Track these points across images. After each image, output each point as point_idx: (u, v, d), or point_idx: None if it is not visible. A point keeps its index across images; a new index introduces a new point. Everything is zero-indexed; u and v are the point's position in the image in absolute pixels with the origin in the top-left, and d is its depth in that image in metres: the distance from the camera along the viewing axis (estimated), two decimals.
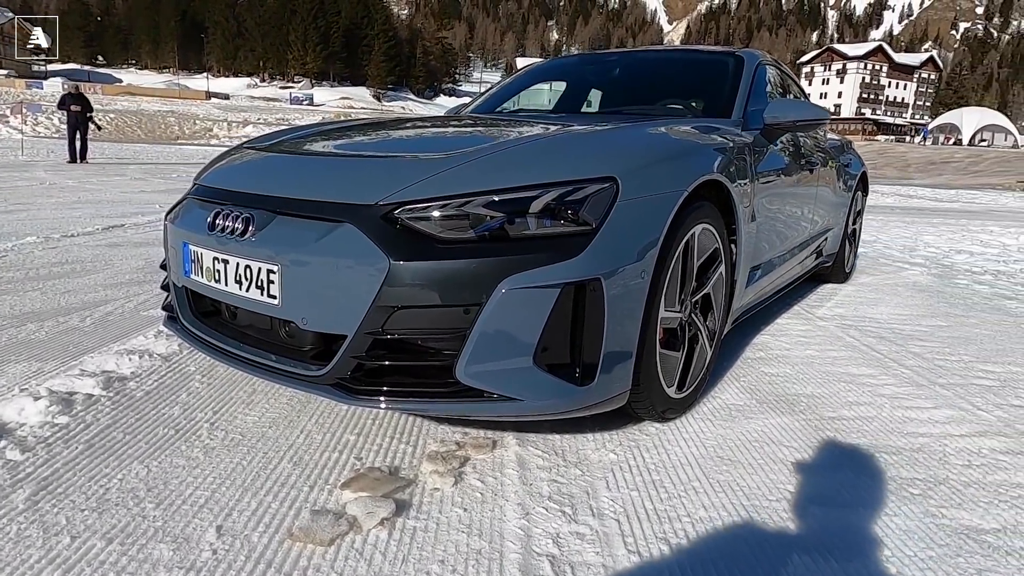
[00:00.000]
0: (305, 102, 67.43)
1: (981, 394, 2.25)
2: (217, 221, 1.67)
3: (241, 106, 50.45)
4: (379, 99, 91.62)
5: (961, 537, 1.40)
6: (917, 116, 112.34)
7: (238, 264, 1.61)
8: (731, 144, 2.14)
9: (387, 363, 1.48)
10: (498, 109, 3.25)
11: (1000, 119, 58.93)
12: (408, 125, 2.37)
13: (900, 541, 1.37)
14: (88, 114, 12.90)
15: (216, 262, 1.67)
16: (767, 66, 2.99)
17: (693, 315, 1.93)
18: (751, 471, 1.64)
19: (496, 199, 1.47)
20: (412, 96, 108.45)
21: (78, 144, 12.57)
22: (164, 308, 2.09)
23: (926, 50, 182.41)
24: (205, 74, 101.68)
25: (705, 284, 1.97)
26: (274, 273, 1.54)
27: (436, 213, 1.46)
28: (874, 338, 2.90)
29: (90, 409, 1.83)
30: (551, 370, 1.48)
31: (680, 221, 1.70)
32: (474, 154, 1.60)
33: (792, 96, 3.37)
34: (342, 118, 31.19)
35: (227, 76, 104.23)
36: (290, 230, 1.55)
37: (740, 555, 1.31)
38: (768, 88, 2.93)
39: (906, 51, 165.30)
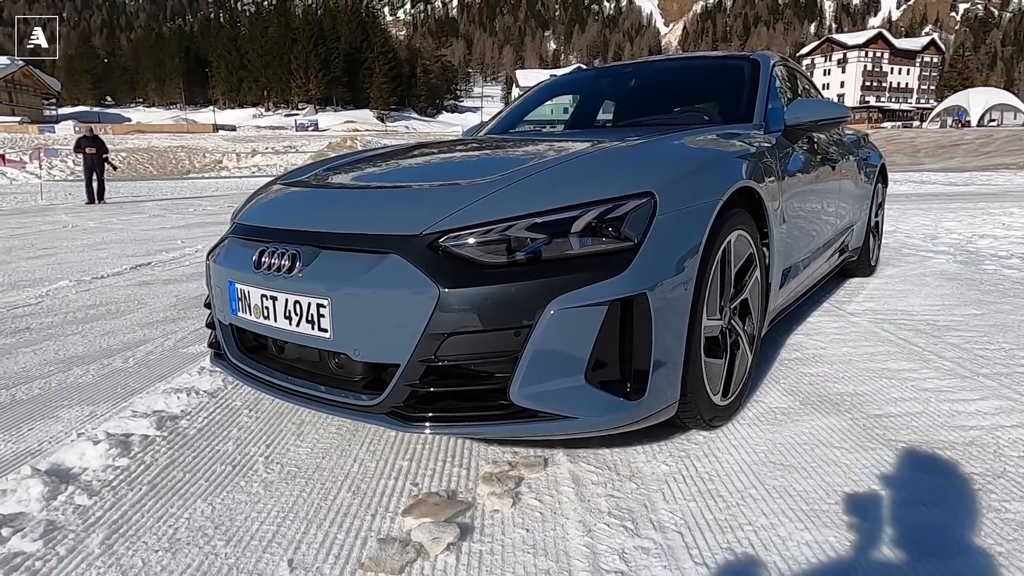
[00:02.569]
0: (311, 128, 68.30)
1: None
2: (263, 259, 1.71)
3: (248, 136, 51.21)
4: (383, 120, 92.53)
5: (1022, 530, 1.39)
6: (923, 100, 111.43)
7: (287, 300, 1.65)
8: (757, 149, 2.16)
9: (440, 389, 1.50)
10: (517, 127, 3.29)
11: (1008, 97, 58.33)
12: (436, 151, 2.42)
13: (968, 536, 1.37)
14: (104, 155, 13.17)
15: (264, 299, 1.71)
16: (781, 66, 3.01)
17: (732, 321, 1.94)
18: (805, 475, 1.64)
19: (538, 221, 1.50)
20: (415, 115, 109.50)
21: (95, 185, 12.82)
22: (210, 345, 2.14)
23: (927, 33, 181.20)
24: (211, 107, 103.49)
25: (742, 290, 1.98)
26: (324, 307, 1.57)
27: (480, 239, 1.49)
28: (909, 331, 2.88)
29: (147, 450, 1.87)
30: (603, 386, 1.50)
31: (717, 230, 1.72)
32: (511, 177, 1.63)
33: (805, 94, 3.38)
34: (349, 142, 31.37)
35: (232, 108, 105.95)
36: (337, 264, 1.59)
37: (806, 561, 1.31)
38: (784, 88, 2.95)
39: (906, 36, 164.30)
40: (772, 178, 2.16)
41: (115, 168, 14.86)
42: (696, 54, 3.28)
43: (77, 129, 14.24)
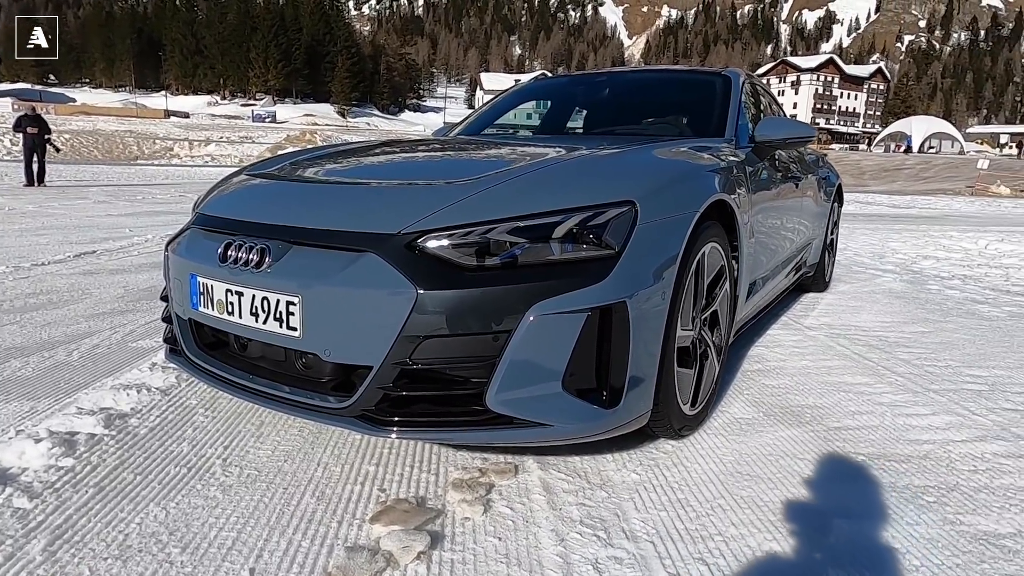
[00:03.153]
0: (268, 119, 66.61)
1: (973, 399, 2.33)
2: (229, 252, 1.64)
3: (202, 124, 49.58)
4: (344, 115, 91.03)
5: (982, 543, 1.44)
6: (868, 125, 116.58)
7: (254, 296, 1.58)
8: (729, 163, 2.20)
9: (414, 393, 1.46)
10: (488, 130, 3.26)
11: (947, 127, 61.63)
12: (408, 150, 2.37)
13: (926, 550, 1.41)
14: (46, 136, 12.49)
15: (229, 294, 1.63)
16: (748, 83, 3.08)
17: (703, 331, 1.97)
18: (771, 486, 1.67)
19: (520, 225, 1.48)
20: (377, 112, 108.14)
21: (35, 167, 12.16)
22: (166, 340, 2.04)
23: (874, 62, 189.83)
24: (163, 92, 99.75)
25: (713, 301, 2.00)
26: (294, 305, 1.51)
27: (460, 241, 1.46)
28: (863, 346, 2.98)
29: (94, 450, 1.76)
30: (579, 394, 1.49)
31: (693, 241, 1.74)
32: (492, 180, 1.60)
33: (768, 111, 3.47)
34: (308, 136, 30.69)
35: (186, 94, 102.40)
36: (309, 261, 1.53)
37: (777, 571, 1.32)
38: (750, 104, 3.02)
39: (855, 63, 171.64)
40: (743, 192, 2.20)
41: (58, 150, 14.12)
42: (668, 67, 3.33)
43: (17, 107, 13.51)
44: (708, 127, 2.59)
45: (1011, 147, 62.50)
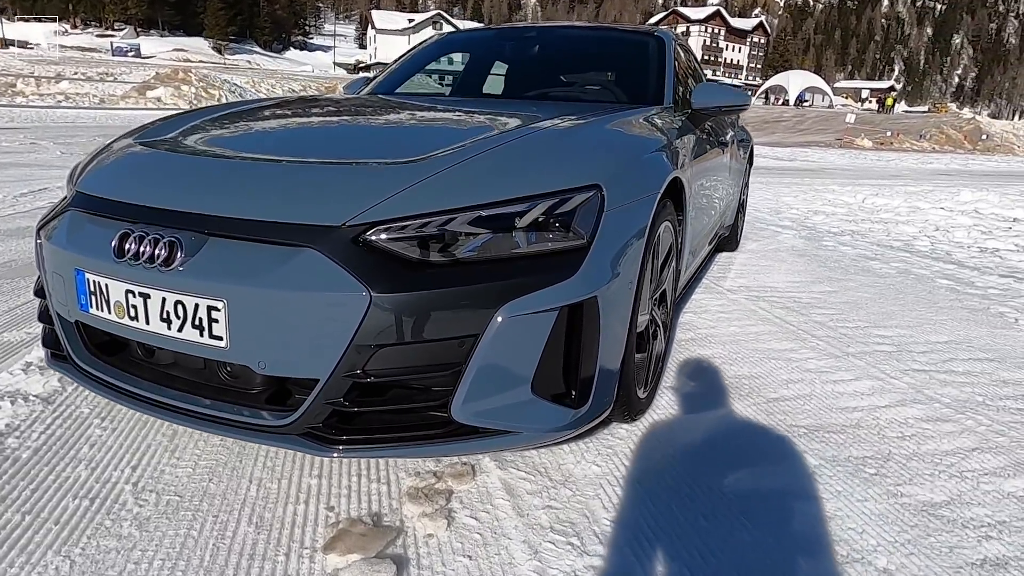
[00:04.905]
0: (130, 53, 59.45)
1: (887, 361, 2.48)
2: (127, 245, 1.36)
3: (51, 57, 43.44)
4: (220, 51, 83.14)
5: (923, 515, 1.52)
6: (750, 78, 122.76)
7: (164, 299, 1.33)
8: (674, 135, 2.13)
9: (369, 409, 1.30)
10: (409, 82, 3.00)
11: (819, 82, 66.17)
12: (335, 112, 2.10)
13: (879, 528, 1.46)
14: None
15: (131, 296, 1.37)
16: (678, 45, 3.01)
17: (653, 312, 1.92)
18: (733, 469, 1.68)
19: (483, 215, 1.32)
20: (259, 49, 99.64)
21: None
22: (45, 344, 1.71)
23: (756, 15, 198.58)
24: None
25: (663, 282, 1.96)
26: (218, 311, 1.28)
27: (416, 233, 1.29)
28: (781, 309, 3.10)
29: None
30: (548, 397, 1.39)
31: (654, 224, 1.66)
32: (447, 160, 1.42)
33: (694, 74, 3.44)
34: (182, 74, 27.71)
35: (26, 20, 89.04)
36: (233, 256, 1.29)
37: (755, 561, 1.32)
38: (679, 67, 2.96)
39: (740, 16, 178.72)
40: (687, 165, 2.15)
41: None
42: (600, 25, 3.18)
43: None
44: (645, 93, 2.50)
45: (871, 102, 68.29)
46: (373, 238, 1.27)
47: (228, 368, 1.42)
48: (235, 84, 29.44)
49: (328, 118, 2.01)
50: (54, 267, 1.55)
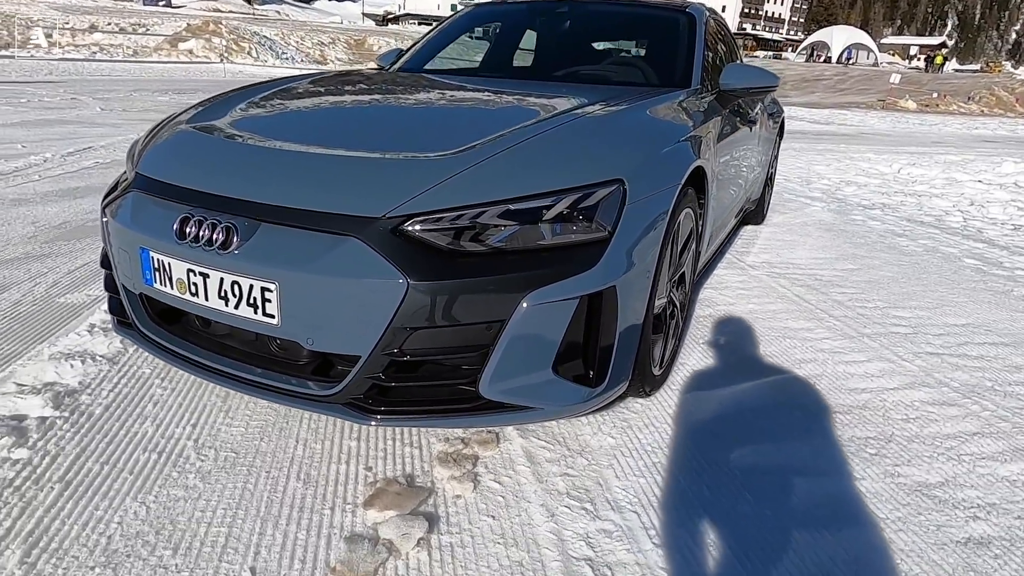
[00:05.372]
0: (162, 3, 59.38)
1: (901, 343, 2.55)
2: (187, 229, 1.50)
3: (84, 6, 43.63)
4: (251, 3, 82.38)
5: (917, 495, 1.63)
6: (792, 32, 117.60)
7: (222, 280, 1.47)
8: (700, 121, 2.17)
9: (405, 384, 1.44)
10: (439, 56, 3.06)
11: (864, 38, 63.12)
12: (368, 92, 2.19)
13: (873, 505, 1.58)
14: None
15: (192, 275, 1.51)
16: (712, 20, 3.00)
17: (671, 294, 2.02)
18: (739, 444, 1.79)
19: (512, 208, 1.42)
20: (288, 0, 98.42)
21: None
22: (112, 312, 1.88)
23: None
24: None
25: (682, 264, 2.04)
26: (271, 292, 1.42)
27: (450, 225, 1.40)
28: (801, 287, 3.16)
29: (49, 437, 1.65)
30: (567, 376, 1.51)
31: (675, 213, 1.74)
32: (478, 153, 1.52)
33: (728, 50, 3.42)
34: (212, 26, 27.57)
35: None
36: (284, 242, 1.42)
37: (754, 532, 1.45)
38: (712, 45, 2.95)
39: None
40: (711, 148, 2.20)
41: None
42: (630, 0, 3.15)
43: None
44: (674, 74, 2.53)
45: (919, 59, 65.27)
46: (410, 229, 1.39)
47: (278, 342, 1.57)
48: (264, 36, 29.33)
49: (365, 103, 2.10)
50: (120, 244, 1.70)
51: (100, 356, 2.06)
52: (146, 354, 2.10)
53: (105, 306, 2.42)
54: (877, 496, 1.61)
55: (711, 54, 2.80)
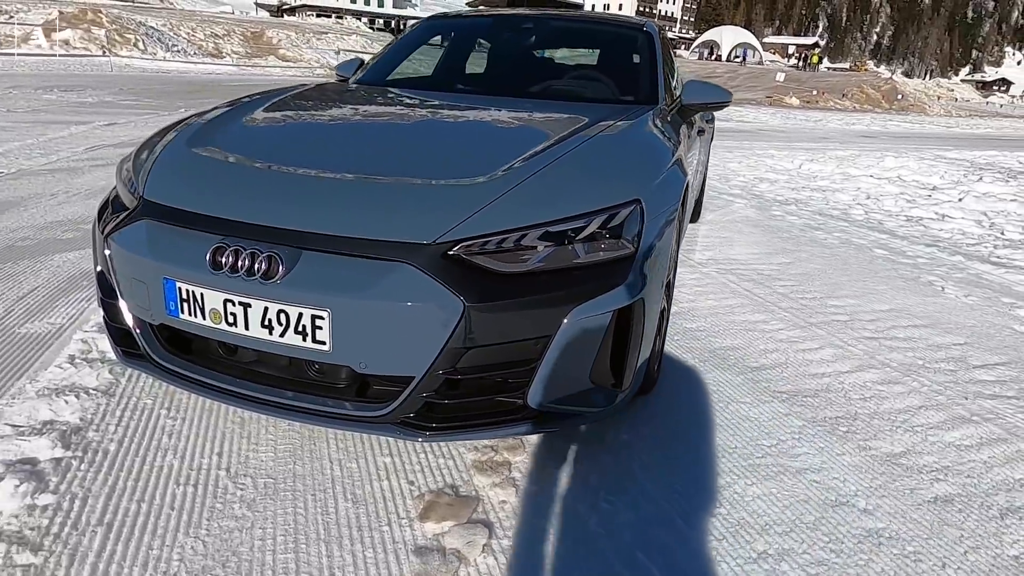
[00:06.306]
0: None
1: (843, 330, 2.88)
2: (222, 259, 1.49)
3: None
4: None
5: (888, 464, 1.89)
6: (684, 31, 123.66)
7: (266, 309, 1.48)
8: (677, 137, 2.36)
9: (457, 401, 1.51)
10: (399, 69, 3.10)
11: (750, 38, 67.57)
12: (372, 112, 2.22)
13: (857, 477, 1.82)
14: None
15: (230, 305, 1.51)
16: (661, 37, 3.21)
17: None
18: (732, 432, 1.99)
19: (551, 230, 1.53)
20: None
21: None
22: (117, 343, 1.81)
23: None
24: None
25: (672, 271, 2.22)
26: (322, 319, 1.45)
27: (497, 248, 1.48)
28: (748, 282, 3.46)
29: (70, 479, 1.58)
30: (600, 383, 1.64)
31: (675, 228, 1.90)
32: (511, 179, 1.61)
33: (671, 64, 3.65)
34: (91, 14, 25.29)
35: None
36: (334, 271, 1.45)
37: (767, 512, 1.64)
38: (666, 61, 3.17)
39: None
40: (686, 164, 2.40)
41: None
42: (591, 15, 3.31)
43: None
44: (639, 92, 2.70)
45: (796, 58, 70.66)
46: (461, 253, 1.46)
47: (316, 366, 1.59)
48: (151, 27, 27.36)
49: (372, 123, 2.12)
50: (133, 274, 1.65)
51: (93, 390, 1.97)
52: (144, 385, 2.02)
53: (80, 336, 2.31)
54: (858, 468, 1.86)
55: (667, 70, 3.01)
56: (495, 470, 1.72)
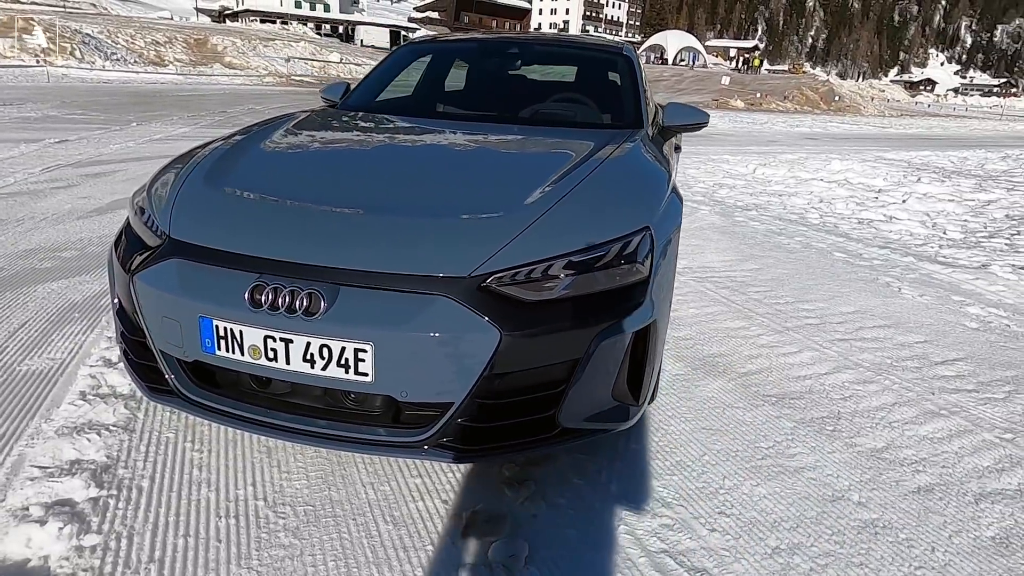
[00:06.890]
0: None
1: (816, 333, 3.09)
2: (262, 297, 1.55)
3: None
4: None
5: (873, 459, 2.08)
6: (630, 35, 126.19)
7: (308, 344, 1.54)
8: (665, 159, 2.51)
9: (492, 424, 1.60)
10: (388, 90, 3.17)
11: (693, 42, 69.73)
12: (382, 142, 2.29)
13: (848, 472, 1.99)
14: None
15: (271, 341, 1.56)
16: (638, 61, 3.37)
17: None
18: (732, 437, 2.15)
19: (575, 260, 1.64)
20: None
21: None
22: (143, 379, 1.83)
23: None
24: None
25: None
26: (365, 352, 1.52)
27: (527, 279, 1.59)
28: (724, 289, 3.66)
29: (110, 517, 1.60)
30: (621, 400, 1.76)
31: (673, 249, 2.05)
32: (533, 211, 1.71)
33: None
34: (20, 21, 24.16)
35: None
36: (374, 305, 1.53)
37: (774, 512, 1.79)
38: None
39: None
40: (675, 184, 2.55)
41: None
42: (574, 39, 3.44)
43: None
44: (624, 116, 2.84)
45: (737, 61, 73.17)
46: (493, 284, 1.56)
47: (352, 395, 1.66)
48: (88, 35, 26.34)
49: (387, 154, 2.19)
50: (164, 312, 1.68)
51: (113, 426, 1.98)
52: (162, 418, 2.04)
53: (85, 371, 2.30)
54: (848, 465, 2.04)
55: (646, 92, 3.17)
56: (522, 485, 1.82)
